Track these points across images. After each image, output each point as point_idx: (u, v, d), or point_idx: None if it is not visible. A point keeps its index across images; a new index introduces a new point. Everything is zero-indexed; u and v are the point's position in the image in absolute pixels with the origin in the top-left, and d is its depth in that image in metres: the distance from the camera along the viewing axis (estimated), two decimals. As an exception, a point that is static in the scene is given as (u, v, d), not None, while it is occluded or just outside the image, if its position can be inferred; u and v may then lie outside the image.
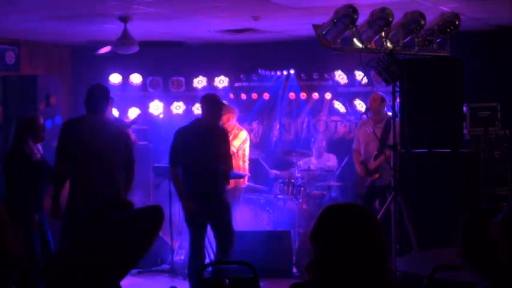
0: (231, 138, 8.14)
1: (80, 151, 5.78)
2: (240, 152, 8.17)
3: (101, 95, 6.01)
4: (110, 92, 6.15)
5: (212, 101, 6.59)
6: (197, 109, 10.09)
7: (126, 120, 9.05)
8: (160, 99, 10.26)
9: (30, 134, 6.15)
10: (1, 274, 2.71)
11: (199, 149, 6.45)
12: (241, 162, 8.20)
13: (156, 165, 8.66)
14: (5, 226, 2.78)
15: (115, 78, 10.32)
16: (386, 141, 7.38)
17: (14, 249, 2.74)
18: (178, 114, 10.24)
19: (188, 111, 10.22)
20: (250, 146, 8.48)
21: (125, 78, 10.36)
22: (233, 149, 8.07)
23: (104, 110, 6.00)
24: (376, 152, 7.87)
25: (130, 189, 6.05)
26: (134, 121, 8.63)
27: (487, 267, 2.60)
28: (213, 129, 6.59)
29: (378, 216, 5.47)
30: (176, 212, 7.86)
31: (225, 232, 6.51)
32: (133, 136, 8.48)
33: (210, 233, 7.83)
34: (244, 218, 8.14)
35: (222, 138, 6.67)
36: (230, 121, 8.17)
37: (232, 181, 8.10)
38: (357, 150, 8.32)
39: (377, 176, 7.91)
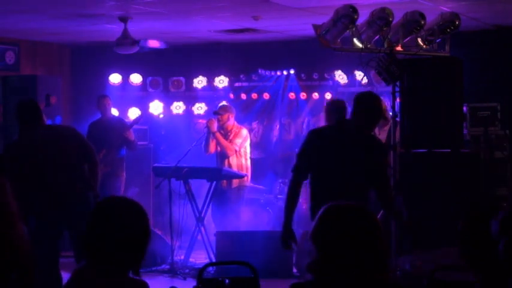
0: (231, 136, 8.14)
1: (31, 168, 5.71)
2: (242, 150, 8.16)
3: (31, 107, 5.94)
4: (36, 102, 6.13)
5: (369, 104, 5.03)
6: (197, 109, 10.10)
7: (127, 120, 9.06)
8: (160, 99, 10.26)
9: None
10: (7, 268, 2.73)
11: (340, 160, 5.00)
12: (243, 160, 8.18)
13: (156, 165, 8.65)
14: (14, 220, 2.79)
15: (115, 78, 10.32)
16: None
17: (20, 245, 2.75)
18: (178, 114, 10.24)
19: (188, 111, 10.23)
20: (250, 146, 8.47)
21: (125, 78, 10.36)
22: (235, 147, 8.07)
23: (40, 118, 5.90)
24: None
25: (98, 176, 6.02)
26: (136, 121, 8.68)
27: (487, 267, 2.60)
28: (364, 138, 5.08)
29: (378, 216, 5.46)
30: (176, 212, 7.85)
31: None
32: (133, 136, 8.56)
33: (210, 232, 7.85)
34: (244, 218, 8.14)
35: (378, 151, 5.17)
36: (230, 120, 8.16)
37: (236, 180, 8.09)
38: None
39: None
